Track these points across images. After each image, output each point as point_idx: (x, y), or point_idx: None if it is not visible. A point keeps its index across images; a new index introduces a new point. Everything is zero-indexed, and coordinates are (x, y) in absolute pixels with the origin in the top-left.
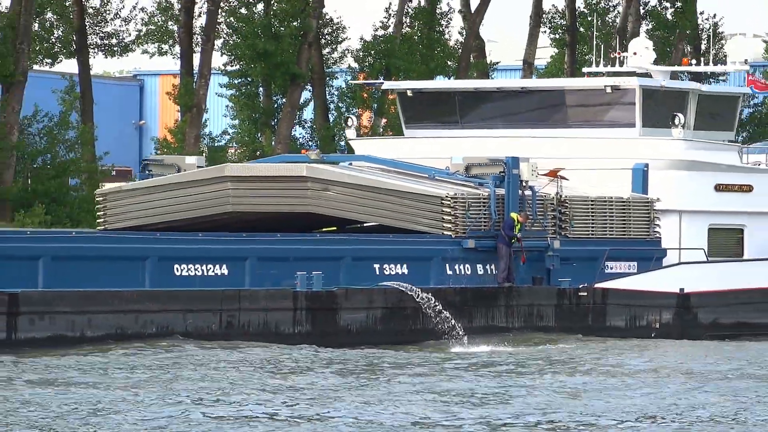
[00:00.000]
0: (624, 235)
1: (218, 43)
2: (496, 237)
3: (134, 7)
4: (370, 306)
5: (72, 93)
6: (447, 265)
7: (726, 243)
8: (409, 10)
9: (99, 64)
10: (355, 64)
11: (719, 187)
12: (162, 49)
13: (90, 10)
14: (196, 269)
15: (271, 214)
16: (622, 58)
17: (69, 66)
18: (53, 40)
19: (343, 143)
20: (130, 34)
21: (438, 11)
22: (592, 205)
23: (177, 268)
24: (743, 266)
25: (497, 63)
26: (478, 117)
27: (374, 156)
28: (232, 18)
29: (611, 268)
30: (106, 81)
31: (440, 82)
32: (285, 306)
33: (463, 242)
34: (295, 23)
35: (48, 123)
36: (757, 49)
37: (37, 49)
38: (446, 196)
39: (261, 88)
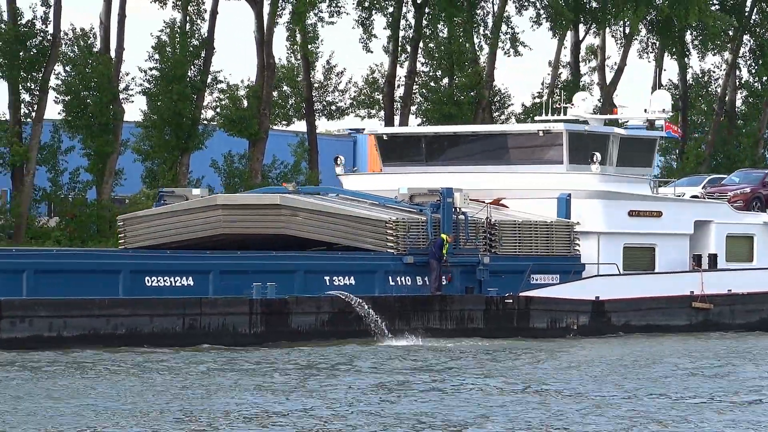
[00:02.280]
0: (547, 252)
1: (413, 108)
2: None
3: (348, 82)
4: (318, 311)
5: (302, 146)
6: (389, 277)
7: (639, 259)
8: (559, 82)
9: (322, 124)
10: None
11: (632, 213)
12: (370, 113)
13: (316, 85)
14: (165, 281)
15: (254, 235)
16: (563, 108)
17: (300, 126)
18: (288, 106)
19: None
20: (345, 102)
21: (581, 83)
22: (518, 227)
23: (147, 280)
24: (649, 278)
25: (626, 122)
26: (440, 156)
27: (340, 188)
28: (424, 89)
29: (537, 280)
30: (328, 137)
31: (409, 128)
32: (242, 311)
33: (404, 258)
34: (472, 93)
35: (284, 169)
36: None
37: (276, 113)
38: (389, 220)
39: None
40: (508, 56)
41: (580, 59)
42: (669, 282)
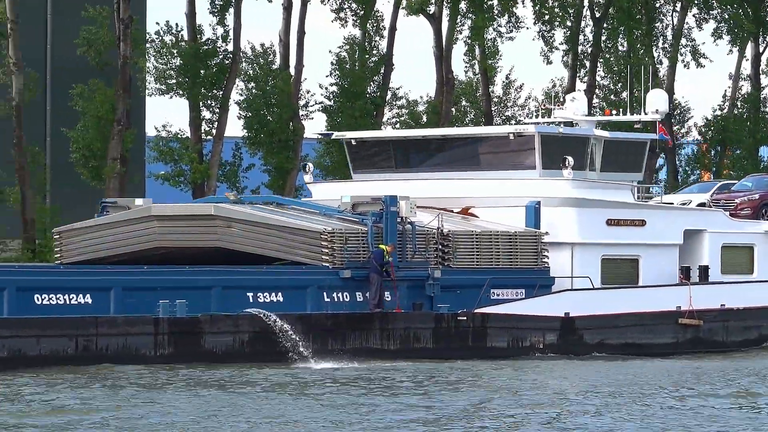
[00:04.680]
0: (511, 265)
1: None
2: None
3: (528, 97)
4: (236, 330)
5: None
6: (324, 293)
7: (620, 272)
8: (740, 95)
9: None
10: (698, 137)
11: (611, 222)
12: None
13: (495, 99)
14: (57, 299)
15: (191, 249)
16: (549, 109)
17: None
18: (467, 121)
19: None
20: (524, 117)
21: (762, 96)
22: (476, 238)
23: (37, 298)
24: (627, 292)
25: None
26: (409, 162)
27: (282, 197)
28: (604, 103)
29: (498, 295)
30: None
31: (378, 132)
32: (145, 331)
33: (341, 272)
34: None
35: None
36: None
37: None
38: (324, 231)
39: None
40: (687, 68)
41: (761, 72)
42: (651, 296)
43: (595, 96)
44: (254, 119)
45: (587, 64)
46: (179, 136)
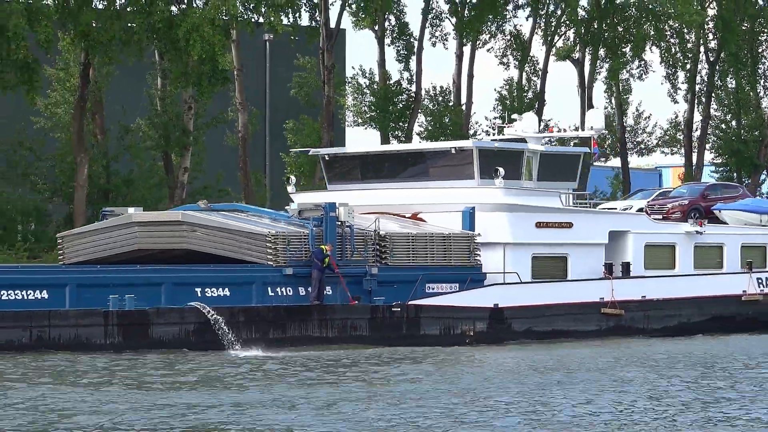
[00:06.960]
0: (444, 262)
1: (707, 145)
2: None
3: (654, 125)
4: (182, 322)
5: (617, 179)
6: (269, 288)
7: (550, 269)
8: None
9: (633, 161)
10: None
11: (540, 225)
12: (673, 150)
13: (628, 128)
14: (17, 294)
15: (166, 251)
16: (500, 127)
17: (615, 162)
18: (605, 146)
19: None
20: (652, 142)
21: None
22: (412, 239)
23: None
24: (553, 286)
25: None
26: (372, 175)
27: (245, 205)
28: (717, 130)
29: (432, 289)
30: (638, 171)
31: (345, 149)
32: (96, 323)
33: (283, 270)
34: (756, 132)
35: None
36: None
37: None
38: (268, 234)
39: (734, 173)
40: None
41: None
42: (575, 289)
43: (709, 125)
44: None
45: (703, 99)
46: None
